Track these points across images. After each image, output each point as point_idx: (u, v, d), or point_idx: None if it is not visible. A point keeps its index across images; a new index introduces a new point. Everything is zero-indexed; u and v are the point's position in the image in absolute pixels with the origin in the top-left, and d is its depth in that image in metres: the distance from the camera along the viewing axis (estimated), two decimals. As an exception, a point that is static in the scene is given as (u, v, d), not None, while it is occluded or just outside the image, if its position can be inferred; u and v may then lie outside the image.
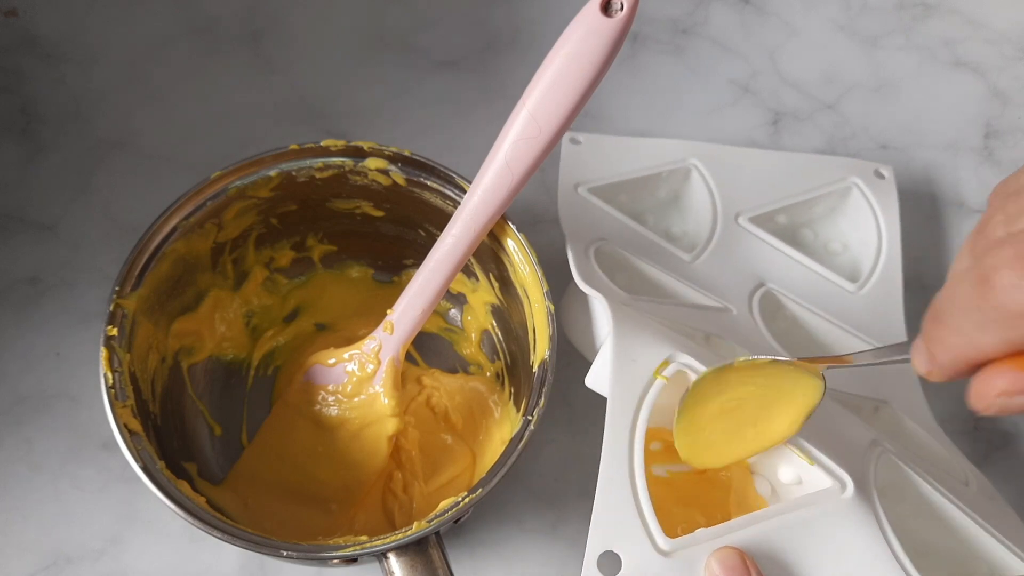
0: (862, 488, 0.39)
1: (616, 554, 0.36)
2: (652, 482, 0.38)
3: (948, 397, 0.55)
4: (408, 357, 0.54)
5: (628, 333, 0.42)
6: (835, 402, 0.48)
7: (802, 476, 0.41)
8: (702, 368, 0.41)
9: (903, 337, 0.54)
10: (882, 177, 0.59)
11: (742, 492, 0.44)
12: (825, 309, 0.54)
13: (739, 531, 0.38)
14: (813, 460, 0.40)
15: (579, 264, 0.48)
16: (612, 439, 0.39)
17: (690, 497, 0.45)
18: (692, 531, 0.38)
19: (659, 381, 0.41)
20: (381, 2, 0.67)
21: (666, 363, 0.42)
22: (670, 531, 0.37)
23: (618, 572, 0.35)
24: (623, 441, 0.39)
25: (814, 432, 0.41)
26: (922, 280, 0.60)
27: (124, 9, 0.66)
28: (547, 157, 0.43)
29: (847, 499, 0.39)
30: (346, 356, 0.51)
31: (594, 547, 0.36)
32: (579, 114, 0.42)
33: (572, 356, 0.56)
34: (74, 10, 0.65)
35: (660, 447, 0.45)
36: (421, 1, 0.68)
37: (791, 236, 0.59)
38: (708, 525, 0.38)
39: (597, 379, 0.44)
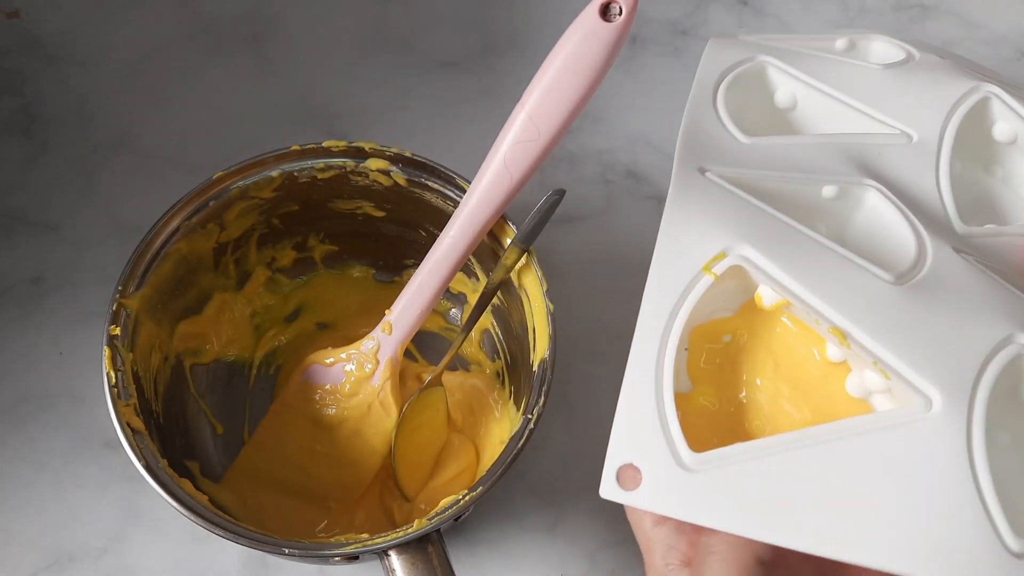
0: (956, 406, 0.31)
1: (636, 467, 0.32)
2: (693, 405, 0.35)
3: None
4: (407, 354, 0.54)
5: (682, 215, 0.36)
6: (986, 275, 0.36)
7: (890, 385, 0.34)
8: (764, 262, 0.35)
9: None
10: None
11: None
12: None
13: (778, 453, 0.31)
14: (888, 372, 0.33)
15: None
16: (642, 339, 0.34)
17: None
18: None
19: (707, 278, 0.35)
20: (381, 3, 0.67)
21: (721, 256, 0.35)
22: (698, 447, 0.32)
23: (638, 487, 0.32)
24: (653, 343, 0.34)
25: (911, 324, 0.33)
26: None
27: (126, 11, 0.66)
28: (547, 158, 0.44)
29: (932, 420, 0.31)
30: (344, 356, 0.51)
31: (612, 458, 0.32)
32: (578, 116, 0.43)
33: (572, 356, 0.56)
34: (76, 11, 0.65)
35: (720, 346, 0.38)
36: (421, 2, 0.68)
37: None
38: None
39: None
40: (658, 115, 0.65)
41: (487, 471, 0.42)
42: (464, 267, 0.52)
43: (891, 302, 0.34)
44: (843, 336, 0.33)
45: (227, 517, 0.42)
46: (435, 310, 0.55)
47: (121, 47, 0.65)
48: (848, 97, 0.43)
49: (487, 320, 0.54)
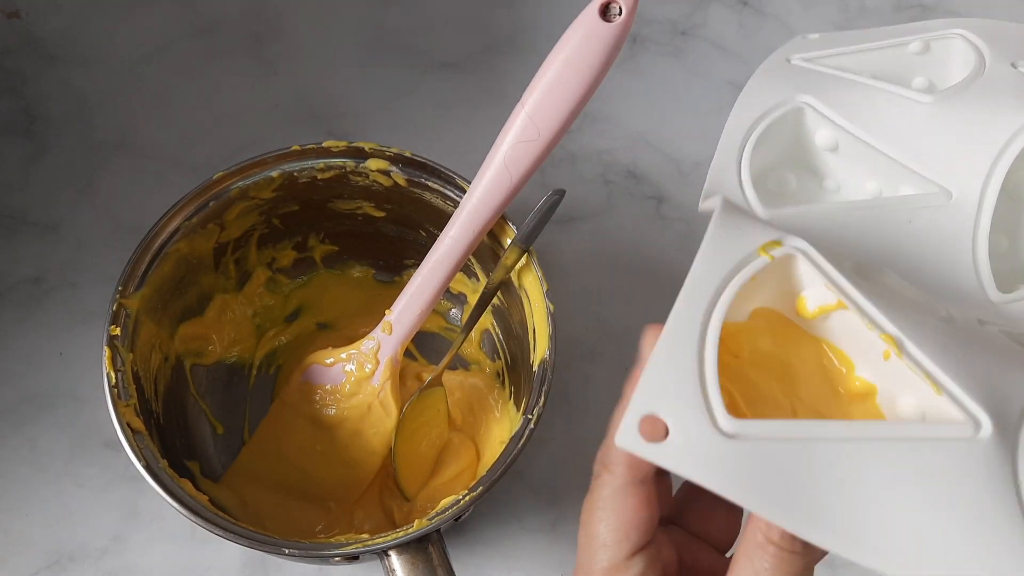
0: (1004, 438, 0.31)
1: (662, 420, 0.29)
2: (735, 369, 0.32)
3: None
4: (407, 354, 0.54)
5: (734, 215, 0.35)
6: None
7: (926, 412, 0.32)
8: (820, 259, 0.33)
9: None
10: None
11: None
12: None
13: (825, 444, 0.29)
14: (941, 388, 0.31)
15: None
16: (691, 290, 0.32)
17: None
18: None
19: (763, 258, 0.33)
20: (382, 4, 0.68)
21: (778, 243, 0.34)
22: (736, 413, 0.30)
23: (661, 441, 0.29)
24: (704, 296, 0.32)
25: (960, 355, 0.32)
26: None
27: (127, 11, 0.66)
28: (547, 158, 0.44)
29: (979, 444, 0.30)
30: (344, 356, 0.51)
31: (638, 405, 0.29)
32: (578, 116, 0.43)
33: (572, 356, 0.56)
34: (77, 12, 0.65)
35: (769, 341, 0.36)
36: (422, 2, 0.68)
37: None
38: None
39: (711, 204, 0.37)
40: (658, 115, 0.65)
41: (487, 471, 0.42)
42: (464, 267, 0.52)
43: (941, 333, 0.33)
44: (897, 344, 0.32)
45: (227, 517, 0.42)
46: (435, 310, 0.55)
47: (121, 47, 0.65)
48: (889, 146, 0.40)
49: (487, 320, 0.54)
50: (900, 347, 0.32)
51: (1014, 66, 0.39)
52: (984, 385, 0.32)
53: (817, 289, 0.34)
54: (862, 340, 0.33)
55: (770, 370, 0.35)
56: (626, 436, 0.28)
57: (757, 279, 0.33)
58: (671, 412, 0.29)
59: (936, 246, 0.38)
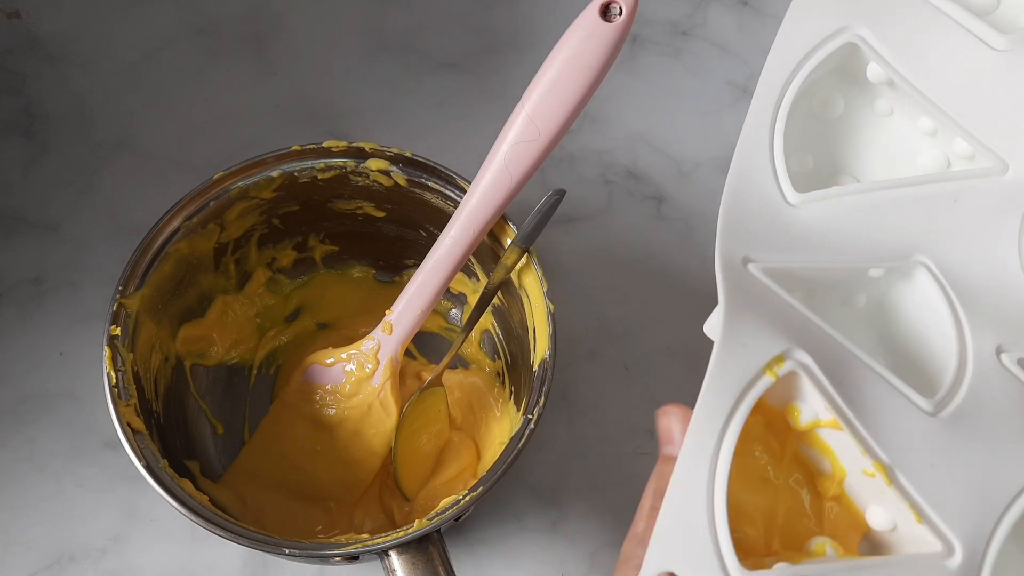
0: (972, 561, 0.32)
1: None
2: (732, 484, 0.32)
3: None
4: (407, 353, 0.54)
5: (739, 308, 0.34)
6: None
7: (898, 523, 0.34)
8: (819, 374, 0.33)
9: None
10: None
11: (840, 518, 0.36)
12: None
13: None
14: (921, 516, 0.32)
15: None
16: (698, 434, 0.32)
17: (761, 499, 0.37)
18: (768, 565, 0.32)
19: (767, 378, 0.33)
20: (382, 4, 0.68)
21: (780, 360, 0.33)
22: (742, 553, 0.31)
23: None
24: (710, 440, 0.32)
25: (946, 467, 0.33)
26: None
27: (127, 11, 0.66)
28: (547, 158, 0.44)
29: (950, 569, 0.31)
30: (344, 356, 0.51)
31: (653, 563, 0.30)
32: (578, 116, 0.43)
33: (572, 356, 0.56)
34: (77, 12, 0.65)
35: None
36: (421, 2, 0.68)
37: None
38: (772, 539, 0.33)
39: (713, 327, 0.35)
40: (658, 115, 0.65)
41: (487, 471, 0.42)
42: (464, 267, 0.52)
43: (929, 437, 0.33)
44: (888, 474, 0.32)
45: (227, 517, 0.42)
46: (435, 310, 0.55)
47: (122, 47, 0.65)
48: (949, 101, 0.37)
49: (487, 320, 0.54)
50: (891, 476, 0.32)
51: (999, 352, 0.35)
52: (963, 504, 0.32)
53: (813, 404, 0.34)
54: (850, 454, 0.33)
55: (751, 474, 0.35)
56: None
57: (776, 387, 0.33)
58: (686, 569, 0.30)
59: (980, 230, 0.36)
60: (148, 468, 0.41)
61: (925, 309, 0.37)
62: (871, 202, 0.37)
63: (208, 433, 0.52)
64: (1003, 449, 0.33)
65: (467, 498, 0.41)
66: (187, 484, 0.43)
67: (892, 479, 0.32)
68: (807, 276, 0.37)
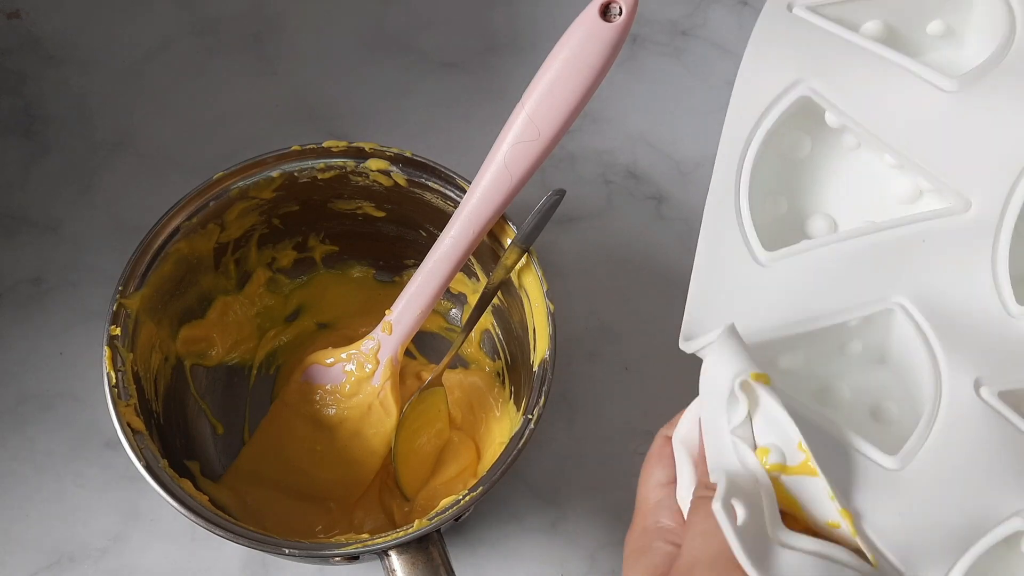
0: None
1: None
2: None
3: None
4: (407, 353, 0.54)
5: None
6: (996, 437, 0.34)
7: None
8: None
9: None
10: None
11: None
12: None
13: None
14: (878, 564, 0.32)
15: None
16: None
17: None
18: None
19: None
20: (382, 3, 0.67)
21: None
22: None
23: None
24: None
25: (908, 524, 0.32)
26: None
27: (127, 11, 0.66)
28: (547, 158, 0.44)
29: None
30: (344, 356, 0.51)
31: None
32: (578, 116, 0.42)
33: (572, 356, 0.56)
34: (77, 12, 0.65)
35: None
36: (421, 2, 0.68)
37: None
38: None
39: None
40: (658, 115, 0.65)
41: (487, 471, 0.42)
42: (464, 267, 0.52)
43: (904, 483, 0.33)
44: (853, 522, 0.32)
45: (227, 517, 0.42)
46: (435, 310, 0.55)
47: (122, 47, 0.65)
48: (904, 143, 0.38)
49: (487, 320, 0.54)
50: (856, 524, 0.32)
51: (976, 388, 0.35)
52: (922, 558, 0.32)
53: (787, 449, 0.33)
54: (818, 499, 0.32)
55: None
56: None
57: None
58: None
59: (952, 267, 0.37)
60: (148, 468, 0.41)
61: (904, 347, 0.38)
62: (841, 252, 0.38)
63: (208, 433, 0.52)
64: (973, 491, 0.33)
65: (467, 498, 0.41)
66: (187, 484, 0.43)
67: (857, 529, 0.32)
68: (789, 340, 0.37)
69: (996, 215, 0.34)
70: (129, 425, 0.42)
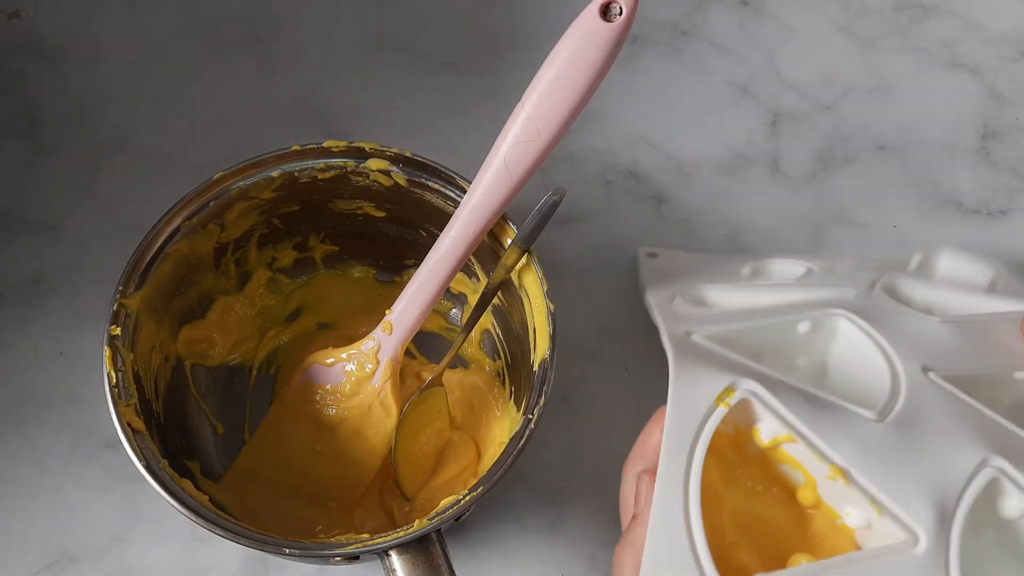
0: (938, 546, 0.34)
1: None
2: (707, 500, 0.35)
3: None
4: (407, 352, 0.54)
5: (687, 360, 0.39)
6: (955, 399, 0.40)
7: (871, 521, 0.36)
8: (767, 397, 0.37)
9: None
10: None
11: (823, 525, 0.39)
12: None
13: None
14: (882, 510, 0.35)
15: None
16: (666, 474, 0.35)
17: (749, 522, 0.39)
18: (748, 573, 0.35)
19: (721, 409, 0.37)
20: (382, 4, 0.68)
21: (731, 390, 0.38)
22: (722, 567, 0.34)
23: None
24: (678, 475, 0.35)
25: (899, 463, 0.36)
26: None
27: (127, 11, 0.66)
28: (547, 158, 0.44)
29: (918, 555, 0.34)
30: (344, 356, 0.51)
31: None
32: (578, 116, 0.42)
33: (573, 356, 0.56)
34: (77, 12, 0.65)
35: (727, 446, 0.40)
36: (422, 2, 0.68)
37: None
38: (763, 562, 0.36)
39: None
40: (658, 115, 0.65)
41: (488, 471, 0.42)
42: (464, 267, 0.52)
43: (878, 440, 0.37)
44: (844, 475, 0.36)
45: (228, 517, 0.42)
46: (435, 310, 0.55)
47: (121, 47, 0.65)
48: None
49: (487, 320, 0.54)
50: (848, 477, 0.36)
51: (925, 371, 0.40)
52: (921, 493, 0.35)
53: (770, 423, 0.38)
54: (812, 463, 0.37)
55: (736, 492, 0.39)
56: None
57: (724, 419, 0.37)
58: None
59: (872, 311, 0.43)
60: (148, 468, 0.41)
61: (855, 354, 0.42)
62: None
63: (208, 433, 0.52)
64: (946, 443, 0.37)
65: (467, 498, 0.41)
66: (187, 484, 0.43)
67: (850, 479, 0.35)
68: (747, 341, 0.42)
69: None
70: (130, 425, 0.42)
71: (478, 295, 0.49)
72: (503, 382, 0.53)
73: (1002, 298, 0.48)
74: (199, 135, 0.62)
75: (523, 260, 0.47)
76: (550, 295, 0.45)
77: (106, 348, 0.44)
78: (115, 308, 0.44)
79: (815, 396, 0.38)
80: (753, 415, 0.38)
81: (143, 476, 0.41)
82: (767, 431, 0.38)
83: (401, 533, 0.41)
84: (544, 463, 0.54)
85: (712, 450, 0.36)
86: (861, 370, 0.42)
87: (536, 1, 0.68)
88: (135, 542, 0.51)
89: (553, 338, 0.45)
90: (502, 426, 0.52)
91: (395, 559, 0.41)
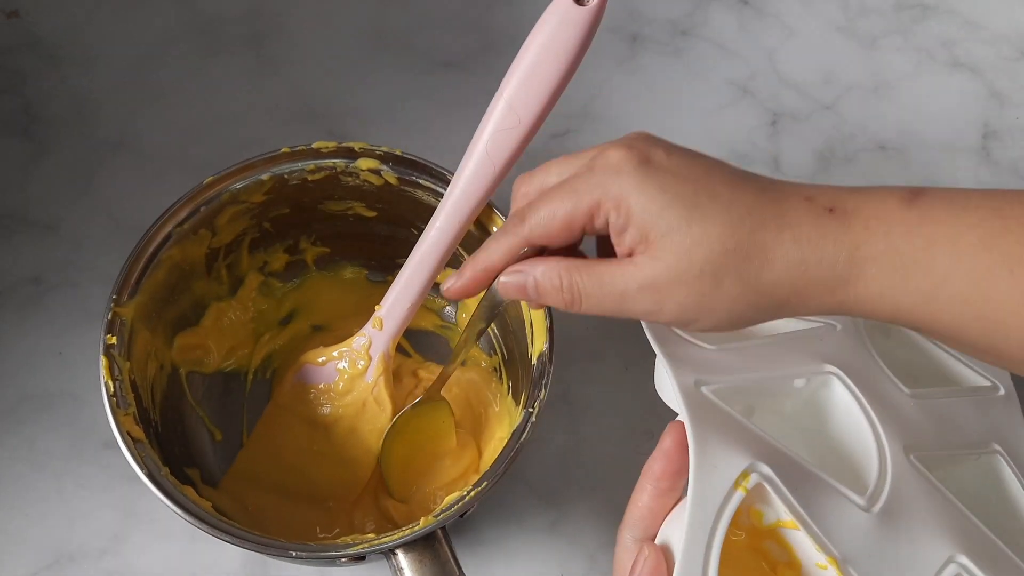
0: None
1: None
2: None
3: None
4: (401, 350, 0.54)
5: (705, 430, 0.39)
6: (935, 498, 0.42)
7: None
8: (780, 484, 0.38)
9: None
10: None
11: None
12: None
13: None
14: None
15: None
16: (689, 551, 0.36)
17: None
18: None
19: (739, 493, 0.37)
20: (381, 3, 0.67)
21: (747, 474, 0.38)
22: None
23: None
24: (699, 553, 0.36)
25: (878, 554, 0.38)
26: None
27: (126, 10, 0.66)
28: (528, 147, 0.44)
29: None
30: (335, 354, 0.51)
31: None
32: (557, 103, 0.42)
33: (572, 354, 0.56)
34: (76, 11, 0.65)
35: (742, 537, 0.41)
36: (421, 2, 0.68)
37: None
38: None
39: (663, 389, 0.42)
40: (658, 114, 0.65)
41: (491, 466, 0.42)
42: (457, 263, 0.51)
43: (867, 531, 0.39)
44: (839, 565, 0.37)
45: (232, 523, 0.41)
46: (429, 308, 0.55)
47: (121, 47, 0.65)
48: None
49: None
50: (841, 568, 0.37)
51: (907, 452, 0.42)
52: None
53: (776, 508, 0.38)
54: (805, 549, 0.38)
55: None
56: None
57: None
58: None
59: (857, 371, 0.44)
60: (150, 476, 0.41)
61: (847, 422, 0.44)
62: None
63: (206, 440, 0.51)
64: (923, 537, 0.40)
65: (472, 494, 0.41)
66: (189, 491, 0.42)
67: (843, 571, 0.37)
68: (750, 389, 0.43)
69: None
70: (129, 434, 0.42)
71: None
72: (500, 378, 0.53)
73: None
74: (198, 135, 0.62)
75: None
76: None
77: (103, 357, 0.43)
78: (110, 317, 0.44)
79: (816, 477, 0.39)
80: (762, 498, 0.39)
81: (145, 484, 0.41)
82: (771, 515, 0.39)
83: (407, 532, 0.41)
84: (544, 463, 0.54)
85: None
86: (851, 439, 0.44)
87: (536, 1, 0.68)
88: (134, 542, 0.51)
89: (551, 331, 0.45)
90: (501, 422, 0.52)
91: (402, 558, 0.41)
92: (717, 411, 0.40)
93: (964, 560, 0.40)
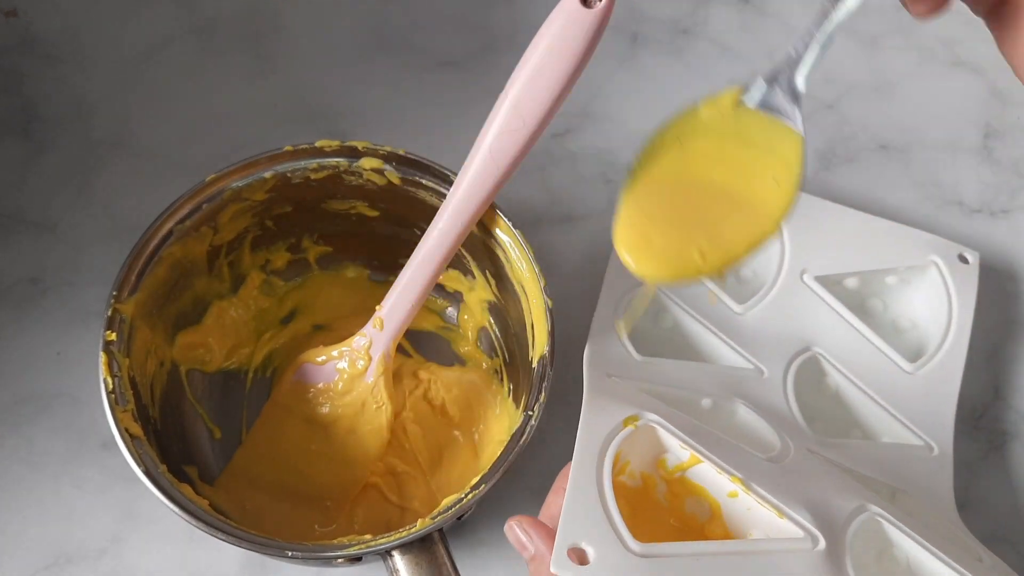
0: (834, 548, 0.39)
1: (584, 548, 0.36)
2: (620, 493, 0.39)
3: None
4: (402, 350, 0.54)
5: (600, 396, 0.43)
6: (839, 469, 0.46)
7: (773, 532, 0.41)
8: (670, 426, 0.41)
9: (950, 428, 0.52)
10: (966, 262, 0.56)
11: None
12: (873, 387, 0.52)
13: (711, 556, 0.38)
14: (783, 513, 0.40)
15: (600, 315, 0.50)
16: (582, 454, 0.40)
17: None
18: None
19: (628, 429, 0.41)
20: (381, 2, 0.67)
21: (636, 417, 0.42)
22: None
23: (588, 564, 0.36)
24: (592, 456, 0.40)
25: (791, 488, 0.41)
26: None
27: (124, 9, 0.66)
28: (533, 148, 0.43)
29: (817, 553, 0.39)
30: (336, 353, 0.51)
31: (563, 539, 0.36)
32: (562, 105, 0.42)
33: (571, 356, 0.56)
34: (74, 10, 0.65)
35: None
36: (421, 2, 0.68)
37: (858, 304, 0.56)
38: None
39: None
40: (659, 114, 0.64)
41: (489, 468, 0.42)
42: (459, 264, 0.52)
43: (774, 471, 0.42)
44: (744, 484, 0.40)
45: (229, 522, 0.41)
46: (431, 309, 0.55)
47: (119, 46, 0.64)
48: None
49: (484, 318, 0.53)
50: (747, 486, 0.40)
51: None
52: (813, 509, 0.40)
53: (676, 453, 0.42)
54: (714, 484, 0.41)
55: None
56: (560, 564, 0.35)
57: (629, 440, 0.41)
58: (591, 542, 0.36)
59: (766, 402, 0.49)
60: (148, 473, 0.41)
61: (751, 428, 0.48)
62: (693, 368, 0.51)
63: (205, 438, 0.51)
64: (829, 488, 0.42)
65: (469, 496, 0.41)
66: (187, 489, 0.42)
67: (749, 488, 0.40)
68: (658, 395, 0.46)
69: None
70: (127, 431, 0.42)
71: (474, 292, 0.49)
72: (501, 380, 0.53)
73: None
74: (197, 134, 0.62)
75: (518, 253, 0.46)
76: (547, 291, 0.45)
77: (102, 354, 0.43)
78: (110, 313, 0.44)
79: (715, 433, 0.43)
80: (660, 446, 0.42)
81: (143, 482, 0.41)
82: (672, 459, 0.42)
83: (404, 533, 0.41)
84: (543, 465, 0.53)
85: (622, 500, 0.39)
86: (754, 437, 0.47)
87: (536, 1, 0.68)
88: (133, 543, 0.50)
89: (552, 334, 0.44)
90: (501, 424, 0.52)
91: (398, 559, 0.40)
92: (617, 384, 0.44)
93: (876, 509, 0.42)
